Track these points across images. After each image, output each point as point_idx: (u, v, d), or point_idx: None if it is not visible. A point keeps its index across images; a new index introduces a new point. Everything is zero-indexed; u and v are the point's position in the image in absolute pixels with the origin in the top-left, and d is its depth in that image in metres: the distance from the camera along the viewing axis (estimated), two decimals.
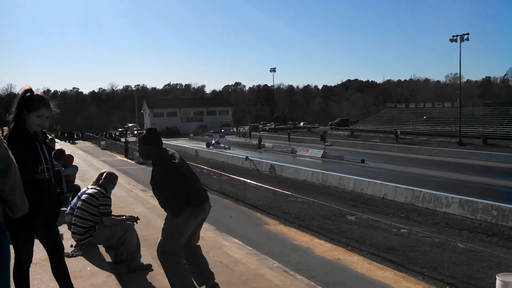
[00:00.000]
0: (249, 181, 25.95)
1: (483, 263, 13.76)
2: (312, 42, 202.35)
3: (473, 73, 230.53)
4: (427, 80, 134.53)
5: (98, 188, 5.83)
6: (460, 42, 51.25)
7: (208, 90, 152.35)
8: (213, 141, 58.96)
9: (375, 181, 25.72)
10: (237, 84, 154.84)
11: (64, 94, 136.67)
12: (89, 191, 5.84)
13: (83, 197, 5.82)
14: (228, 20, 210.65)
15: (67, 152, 9.64)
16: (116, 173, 6.57)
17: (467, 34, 51.21)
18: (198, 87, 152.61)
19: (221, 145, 56.80)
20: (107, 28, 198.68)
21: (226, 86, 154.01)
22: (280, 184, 27.24)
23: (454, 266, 13.40)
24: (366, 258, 14.27)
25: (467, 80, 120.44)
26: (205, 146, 56.92)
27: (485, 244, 16.10)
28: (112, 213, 5.76)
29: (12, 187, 2.66)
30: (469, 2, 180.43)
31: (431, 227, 18.66)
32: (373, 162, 38.65)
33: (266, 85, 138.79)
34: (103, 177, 5.99)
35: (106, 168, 7.98)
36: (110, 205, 5.74)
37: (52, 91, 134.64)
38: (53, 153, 9.17)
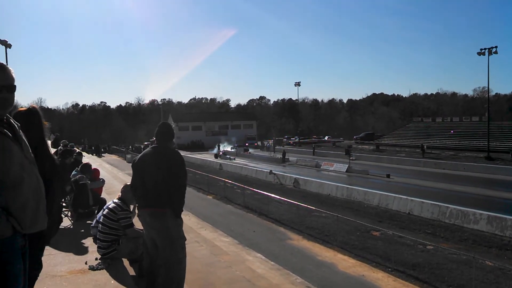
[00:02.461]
0: (272, 195, 25.92)
1: None
2: (337, 55, 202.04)
3: (502, 86, 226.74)
4: (454, 93, 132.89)
5: (117, 201, 5.91)
6: (488, 55, 50.55)
7: (233, 104, 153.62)
8: (220, 152, 64.46)
9: (400, 196, 25.37)
10: (261, 98, 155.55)
11: (92, 108, 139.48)
12: (110, 205, 5.94)
13: (105, 212, 5.92)
14: (253, 35, 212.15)
15: (93, 166, 9.82)
16: None
17: (495, 47, 50.56)
18: (223, 101, 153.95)
19: (227, 156, 61.61)
20: (134, 44, 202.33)
21: (250, 100, 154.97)
22: (304, 198, 27.10)
23: (482, 284, 13.11)
24: (391, 275, 14.06)
25: (496, 93, 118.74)
26: (214, 157, 61.34)
27: None
28: (136, 227, 5.84)
29: (21, 205, 2.55)
30: (497, 15, 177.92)
31: (458, 244, 18.28)
32: (399, 177, 38.16)
33: (290, 99, 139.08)
34: (120, 190, 6.09)
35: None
36: (129, 217, 5.81)
37: (81, 105, 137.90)
38: (79, 166, 9.37)
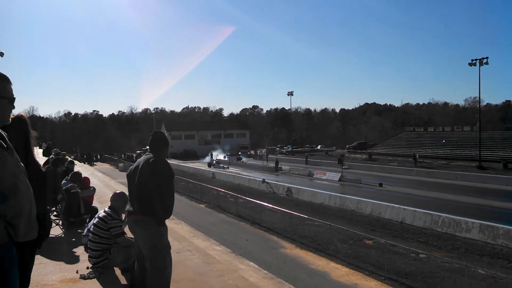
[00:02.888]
0: (265, 204, 25.86)
1: None
2: (330, 65, 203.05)
3: (493, 96, 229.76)
4: (446, 103, 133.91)
5: (107, 210, 5.89)
6: (480, 66, 51.02)
7: (226, 113, 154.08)
8: (214, 161, 64.70)
9: (393, 205, 25.41)
10: (254, 107, 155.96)
11: (84, 116, 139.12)
12: (100, 214, 5.91)
13: (95, 221, 5.89)
14: (245, 44, 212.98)
15: (85, 175, 9.78)
16: None
17: (487, 58, 50.98)
18: (216, 110, 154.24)
19: (220, 165, 61.81)
20: (127, 52, 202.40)
21: (243, 109, 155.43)
22: (296, 207, 27.09)
23: None
24: (384, 284, 14.04)
25: (487, 104, 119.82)
26: (207, 166, 61.23)
27: (507, 271, 15.69)
28: (127, 235, 5.80)
29: (16, 212, 2.56)
30: (488, 26, 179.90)
31: (450, 252, 18.32)
32: (391, 186, 38.25)
33: (283, 108, 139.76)
34: (110, 198, 6.07)
35: (123, 190, 8.06)
36: (120, 226, 5.78)
37: (73, 114, 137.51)
38: (70, 175, 9.33)
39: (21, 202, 2.59)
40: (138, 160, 4.96)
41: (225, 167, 59.09)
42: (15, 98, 2.70)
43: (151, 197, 4.52)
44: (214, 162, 64.20)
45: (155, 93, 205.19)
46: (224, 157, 72.13)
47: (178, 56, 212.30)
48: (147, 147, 5.05)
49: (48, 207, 3.54)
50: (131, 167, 5.00)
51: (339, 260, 16.58)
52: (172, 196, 4.70)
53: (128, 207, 4.95)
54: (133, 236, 5.58)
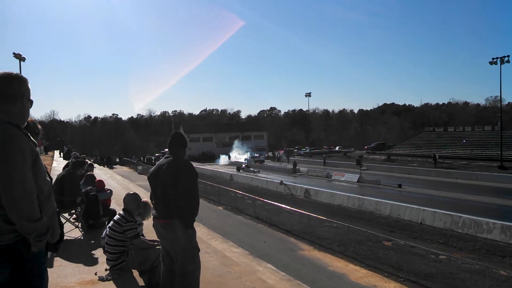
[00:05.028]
0: (283, 205, 25.86)
1: None
2: (348, 66, 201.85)
3: None
4: (466, 103, 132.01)
5: (122, 213, 5.92)
6: (501, 65, 50.37)
7: (243, 115, 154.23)
8: (243, 165, 60.78)
9: (412, 206, 25.20)
10: (272, 109, 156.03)
11: (104, 120, 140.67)
12: (115, 217, 5.95)
13: (111, 224, 5.92)
14: (263, 46, 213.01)
15: (103, 177, 9.88)
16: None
17: (508, 56, 50.35)
18: (234, 112, 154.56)
19: (250, 169, 58.12)
20: (144, 56, 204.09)
21: (261, 111, 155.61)
22: (314, 209, 26.99)
23: None
24: (404, 285, 13.93)
25: (508, 102, 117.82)
26: (236, 170, 57.79)
27: None
28: (146, 238, 5.85)
29: (53, 211, 2.71)
30: (509, 23, 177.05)
31: (471, 253, 18.10)
32: (411, 186, 37.89)
33: (301, 109, 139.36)
34: (123, 200, 6.11)
35: (142, 193, 8.14)
36: (135, 228, 5.80)
37: (93, 117, 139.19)
38: (83, 177, 9.48)
39: (54, 202, 2.69)
40: (159, 162, 4.95)
41: (256, 171, 55.86)
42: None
43: (177, 199, 4.50)
44: (244, 166, 60.58)
45: (173, 95, 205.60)
46: (245, 159, 69.24)
47: (196, 58, 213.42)
48: (166, 149, 5.05)
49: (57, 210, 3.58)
50: (152, 170, 4.97)
51: (357, 261, 16.49)
52: (198, 197, 4.69)
53: (153, 211, 4.93)
54: (154, 238, 5.64)
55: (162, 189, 4.63)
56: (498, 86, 51.02)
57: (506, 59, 50.14)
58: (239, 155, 78.15)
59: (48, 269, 3.04)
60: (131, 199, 6.01)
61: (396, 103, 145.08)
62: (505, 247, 18.73)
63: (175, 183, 4.52)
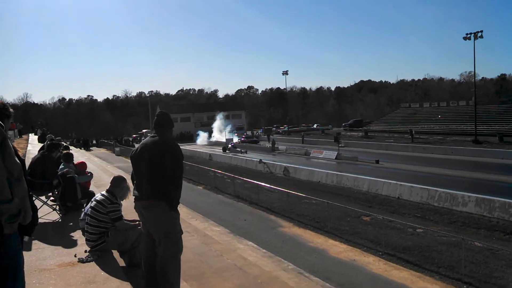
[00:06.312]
0: (263, 184, 25.93)
1: (501, 261, 13.62)
2: (324, 44, 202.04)
3: (488, 71, 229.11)
4: (441, 79, 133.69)
5: (106, 194, 5.82)
6: (474, 40, 50.72)
7: (221, 94, 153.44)
8: (229, 145, 60.39)
9: (390, 181, 25.56)
10: (250, 87, 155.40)
11: (79, 102, 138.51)
12: (98, 197, 5.85)
13: (92, 204, 5.82)
14: (239, 25, 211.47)
15: (82, 159, 9.72)
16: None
17: (481, 31, 50.65)
18: (211, 91, 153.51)
19: (237, 149, 57.72)
20: (118, 36, 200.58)
21: (239, 90, 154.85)
22: (294, 186, 27.18)
23: (472, 265, 13.27)
24: (382, 259, 14.17)
25: (482, 78, 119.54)
26: (221, 151, 57.20)
27: (503, 243, 15.89)
28: (125, 218, 5.79)
29: (24, 193, 2.69)
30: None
31: (447, 226, 18.49)
32: (388, 162, 38.43)
33: (278, 88, 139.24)
34: (110, 182, 6.02)
35: (120, 174, 8.03)
36: (119, 210, 5.74)
37: (67, 99, 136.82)
38: (61, 157, 9.31)
39: (25, 184, 2.67)
40: (144, 141, 4.81)
41: (243, 151, 55.28)
42: None
43: (162, 180, 4.37)
44: (230, 146, 59.95)
45: (149, 76, 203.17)
46: (235, 141, 68.36)
47: (172, 38, 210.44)
48: (144, 130, 4.94)
49: (30, 192, 3.52)
50: (135, 149, 4.77)
51: (337, 237, 16.70)
52: (181, 178, 4.59)
53: (135, 192, 4.79)
54: (135, 219, 5.56)
55: (148, 168, 4.45)
56: (472, 61, 51.44)
57: (479, 34, 50.45)
58: (220, 135, 77.70)
59: (27, 252, 3.00)
60: (119, 181, 5.92)
61: (372, 80, 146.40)
62: (479, 219, 19.16)
63: (161, 163, 4.37)
